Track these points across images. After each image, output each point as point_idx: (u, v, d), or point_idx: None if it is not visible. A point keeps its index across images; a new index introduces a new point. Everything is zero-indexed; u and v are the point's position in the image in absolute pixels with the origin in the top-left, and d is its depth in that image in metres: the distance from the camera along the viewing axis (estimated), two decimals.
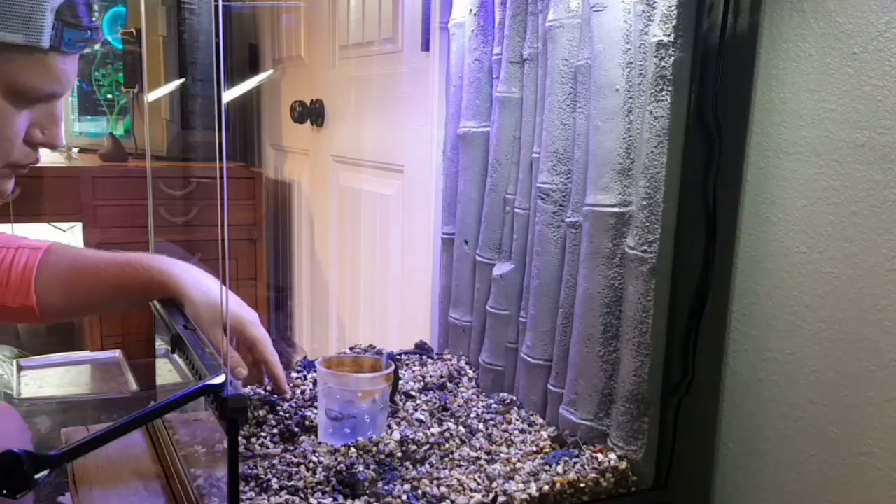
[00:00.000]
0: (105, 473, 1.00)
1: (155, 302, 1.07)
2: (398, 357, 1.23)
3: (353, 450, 0.91)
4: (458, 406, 1.09)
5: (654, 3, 0.88)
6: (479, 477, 0.90)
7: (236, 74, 2.44)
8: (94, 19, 0.78)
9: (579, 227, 0.99)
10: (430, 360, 1.25)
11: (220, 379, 0.70)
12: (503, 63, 1.13)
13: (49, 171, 2.08)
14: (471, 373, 1.21)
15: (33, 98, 0.77)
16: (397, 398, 1.07)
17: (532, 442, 1.00)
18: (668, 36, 0.86)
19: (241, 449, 0.93)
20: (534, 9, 1.08)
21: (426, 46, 1.48)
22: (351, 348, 1.22)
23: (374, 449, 0.92)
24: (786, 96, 0.90)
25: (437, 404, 1.07)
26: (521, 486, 0.89)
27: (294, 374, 1.14)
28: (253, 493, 0.84)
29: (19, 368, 2.03)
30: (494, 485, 0.88)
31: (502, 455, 0.96)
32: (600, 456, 0.95)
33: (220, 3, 0.71)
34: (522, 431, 1.03)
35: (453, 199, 1.28)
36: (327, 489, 0.85)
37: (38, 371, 2.05)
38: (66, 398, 1.89)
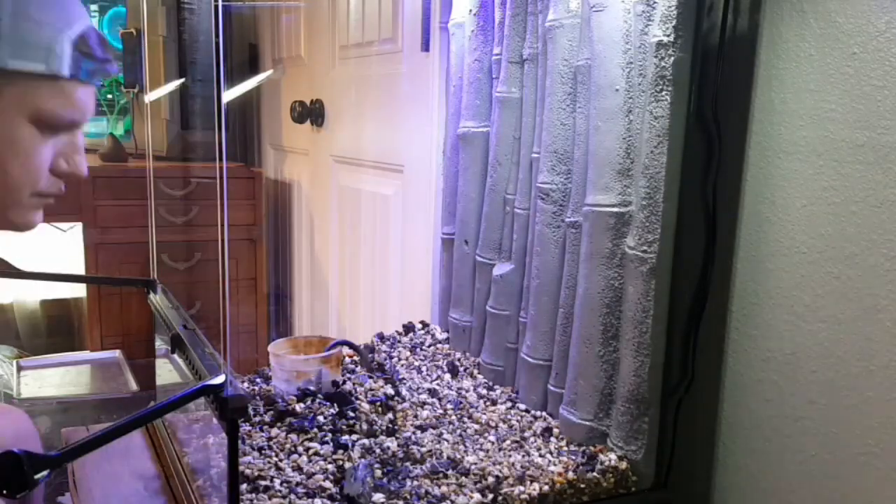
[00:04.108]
0: (105, 473, 1.00)
1: (155, 301, 1.08)
2: (354, 344, 1.21)
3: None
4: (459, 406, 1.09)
5: (654, 3, 0.88)
6: (480, 477, 0.90)
7: (236, 74, 2.44)
8: (107, 52, 0.80)
9: (579, 227, 0.99)
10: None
11: (220, 379, 0.70)
12: (503, 63, 1.13)
13: None
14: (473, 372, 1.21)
15: (57, 126, 0.78)
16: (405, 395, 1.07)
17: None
18: (668, 36, 0.86)
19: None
20: (534, 9, 1.08)
21: (426, 46, 1.48)
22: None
23: (378, 450, 0.92)
24: (786, 96, 0.89)
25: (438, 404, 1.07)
26: (521, 486, 0.89)
27: None
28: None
29: (19, 368, 2.03)
30: (494, 485, 0.88)
31: (503, 455, 0.96)
32: (600, 456, 0.95)
33: (220, 3, 0.71)
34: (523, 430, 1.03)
35: (453, 199, 1.28)
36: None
37: (38, 371, 2.05)
38: (66, 398, 1.89)
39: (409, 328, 1.35)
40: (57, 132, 0.79)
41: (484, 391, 1.13)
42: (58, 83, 0.75)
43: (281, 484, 0.86)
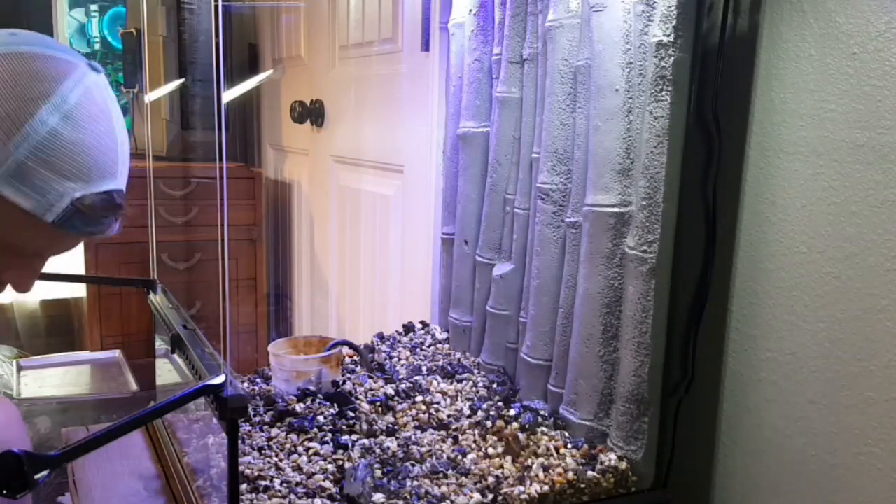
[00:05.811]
0: (105, 473, 1.00)
1: (155, 301, 1.08)
2: (354, 344, 1.22)
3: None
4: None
5: (654, 3, 0.88)
6: (480, 477, 0.90)
7: (236, 74, 2.43)
8: (116, 217, 0.80)
9: (579, 227, 0.99)
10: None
11: (220, 379, 0.70)
12: (503, 63, 1.13)
13: None
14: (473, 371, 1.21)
15: (21, 251, 0.78)
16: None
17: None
18: (668, 36, 0.86)
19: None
20: (534, 9, 1.08)
21: (426, 46, 1.48)
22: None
23: (378, 450, 0.92)
24: (786, 96, 0.89)
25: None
26: (520, 486, 0.89)
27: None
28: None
29: (19, 368, 2.03)
30: (494, 485, 0.88)
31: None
32: (600, 456, 0.95)
33: (220, 3, 0.71)
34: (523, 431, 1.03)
35: (453, 199, 1.28)
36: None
37: (38, 371, 2.05)
38: (66, 398, 1.88)
39: (409, 328, 1.35)
40: (21, 253, 0.78)
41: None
42: (38, 222, 0.73)
43: (281, 484, 0.86)
